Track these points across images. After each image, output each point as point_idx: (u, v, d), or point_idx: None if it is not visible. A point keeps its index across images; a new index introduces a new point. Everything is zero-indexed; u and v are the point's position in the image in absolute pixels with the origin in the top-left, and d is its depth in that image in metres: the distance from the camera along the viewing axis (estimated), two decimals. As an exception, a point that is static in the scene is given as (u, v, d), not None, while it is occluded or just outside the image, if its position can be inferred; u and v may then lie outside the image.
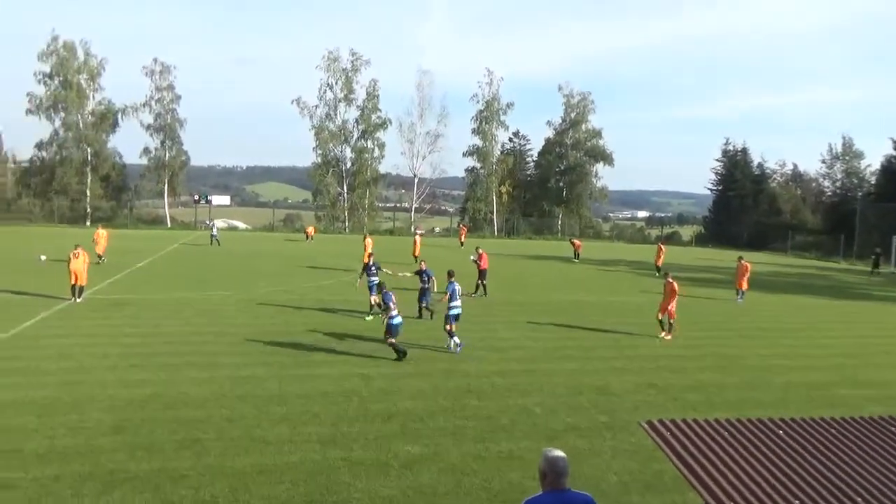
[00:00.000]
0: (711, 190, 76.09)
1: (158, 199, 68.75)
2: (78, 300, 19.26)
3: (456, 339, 14.98)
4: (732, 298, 26.06)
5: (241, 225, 74.89)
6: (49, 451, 8.54)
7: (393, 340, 13.83)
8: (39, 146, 63.53)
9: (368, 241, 30.57)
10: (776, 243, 62.26)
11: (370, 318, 18.26)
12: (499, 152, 72.92)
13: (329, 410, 10.49)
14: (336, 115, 66.79)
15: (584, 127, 73.18)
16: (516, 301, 23.01)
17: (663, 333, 17.23)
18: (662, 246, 36.78)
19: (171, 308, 18.98)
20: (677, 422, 10.68)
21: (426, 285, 18.62)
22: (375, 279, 19.18)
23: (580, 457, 8.99)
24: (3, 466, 8.05)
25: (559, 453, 4.25)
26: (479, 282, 23.82)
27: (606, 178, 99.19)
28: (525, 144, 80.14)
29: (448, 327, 15.06)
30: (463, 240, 51.33)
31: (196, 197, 65.27)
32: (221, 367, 12.76)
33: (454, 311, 15.27)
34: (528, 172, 78.86)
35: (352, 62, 66.49)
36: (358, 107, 67.05)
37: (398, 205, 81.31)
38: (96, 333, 15.28)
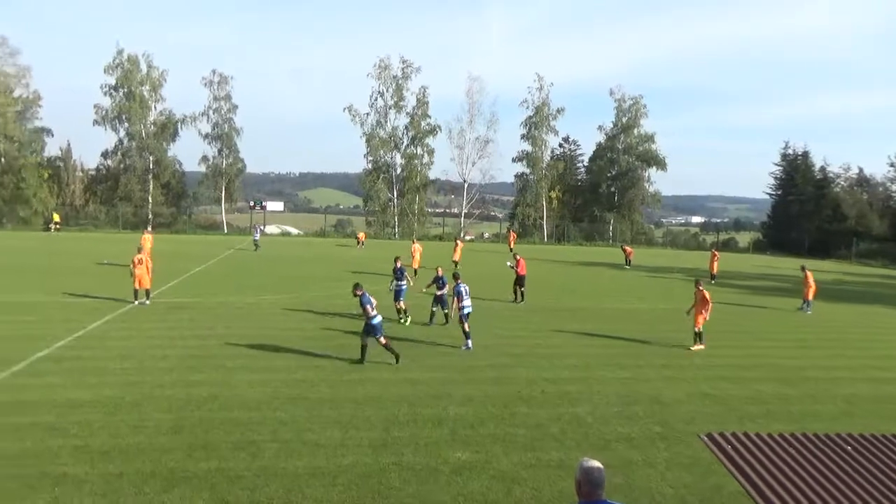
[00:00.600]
0: (770, 195, 73.75)
1: (216, 206, 70.74)
2: (146, 302, 20.06)
3: (467, 344, 15.57)
4: (792, 308, 25.16)
5: (293, 230, 76.31)
6: (113, 449, 8.85)
7: (367, 343, 13.78)
8: (105, 155, 66.63)
9: (416, 246, 30.77)
10: (840, 250, 59.83)
11: (407, 323, 18.40)
12: (549, 157, 72.42)
13: (379, 415, 10.57)
14: (386, 121, 67.58)
15: (636, 131, 71.99)
16: (566, 307, 22.74)
17: (696, 346, 16.46)
18: (717, 252, 35.80)
19: (226, 311, 19.47)
20: (739, 435, 10.34)
21: (442, 292, 18.19)
22: (403, 284, 19.25)
23: (633, 468, 8.80)
24: (72, 461, 8.40)
25: (595, 463, 4.13)
26: (517, 288, 23.64)
27: (659, 183, 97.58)
28: (575, 149, 79.37)
29: (465, 328, 15.69)
30: (512, 245, 51.11)
31: (251, 203, 66.99)
32: (273, 371, 13.01)
33: (466, 311, 15.96)
34: (579, 178, 78.01)
35: (402, 70, 67.16)
36: (408, 113, 67.68)
37: (447, 210, 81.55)
38: (156, 335, 15.80)
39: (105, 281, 24.59)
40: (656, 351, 16.21)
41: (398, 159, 68.67)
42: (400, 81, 67.00)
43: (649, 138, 71.88)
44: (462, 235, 66.69)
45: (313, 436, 9.55)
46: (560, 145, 77.47)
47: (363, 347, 13.83)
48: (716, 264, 34.33)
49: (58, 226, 57.24)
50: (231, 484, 7.91)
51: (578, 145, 79.49)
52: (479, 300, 23.31)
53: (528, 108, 69.74)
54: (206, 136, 66.98)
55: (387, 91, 66.92)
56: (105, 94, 64.01)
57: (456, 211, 75.32)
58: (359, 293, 13.89)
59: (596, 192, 72.89)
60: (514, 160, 71.11)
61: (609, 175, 73.07)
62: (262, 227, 48.36)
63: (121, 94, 63.93)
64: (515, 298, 23.39)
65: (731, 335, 18.81)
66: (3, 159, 61.01)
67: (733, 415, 11.38)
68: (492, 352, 15.34)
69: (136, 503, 7.41)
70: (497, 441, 9.63)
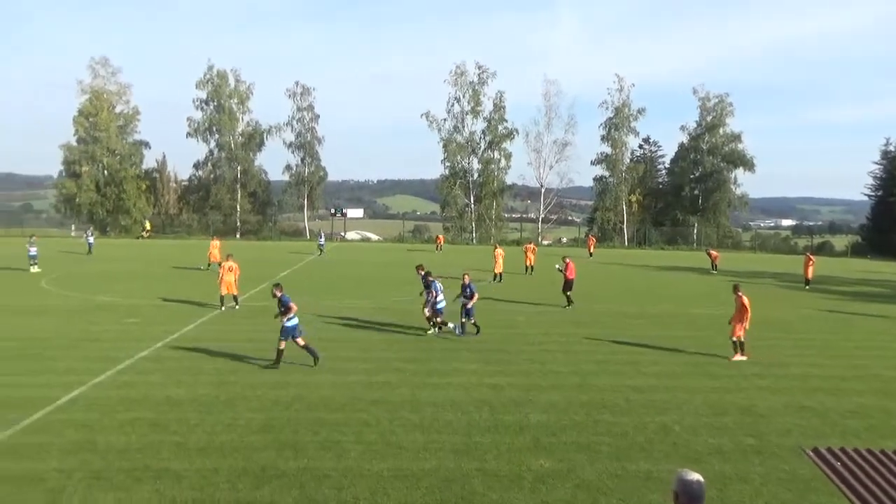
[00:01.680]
0: (869, 195, 69.28)
1: (298, 213, 73.15)
2: (235, 307, 20.89)
3: (451, 324, 16.91)
4: (898, 315, 23.48)
5: (372, 236, 77.94)
6: (208, 446, 9.27)
7: (284, 345, 13.62)
8: (196, 166, 70.22)
9: (499, 251, 30.68)
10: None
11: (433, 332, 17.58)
12: (629, 160, 70.82)
13: (461, 420, 10.59)
14: (463, 127, 67.99)
15: (721, 131, 69.36)
16: (650, 313, 22.11)
17: (737, 355, 15.42)
18: (811, 256, 33.89)
19: (306, 314, 20.04)
20: (849, 451, 9.71)
21: (468, 301, 17.32)
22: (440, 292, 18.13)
23: (727, 483, 8.44)
24: (172, 456, 8.86)
25: (695, 476, 3.94)
26: (566, 293, 23.16)
27: (746, 184, 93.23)
28: (656, 151, 77.31)
29: (434, 318, 16.92)
30: (592, 250, 50.20)
31: (332, 210, 69.09)
32: (355, 373, 13.28)
33: (440, 305, 17.00)
34: (660, 180, 75.87)
35: (478, 75, 67.42)
36: (485, 118, 67.83)
37: (524, 215, 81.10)
38: (244, 338, 16.43)
39: (197, 286, 25.83)
40: (749, 359, 15.49)
41: (475, 164, 68.98)
42: (476, 87, 67.31)
43: (736, 138, 69.11)
44: (539, 240, 66.16)
45: (396, 438, 9.68)
46: (640, 147, 75.73)
47: (279, 351, 13.63)
48: (810, 269, 32.52)
49: (148, 233, 60.83)
50: (319, 483, 8.11)
51: (659, 147, 77.48)
52: (553, 307, 23.02)
53: (607, 109, 68.58)
54: (290, 145, 69.49)
55: (463, 97, 67.38)
56: (197, 107, 67.62)
57: (533, 216, 74.81)
58: (278, 294, 13.94)
59: (678, 195, 70.65)
60: (592, 163, 70.11)
61: (692, 177, 70.67)
62: (324, 235, 50.20)
63: (211, 107, 67.31)
64: (568, 304, 22.96)
65: (830, 344, 17.76)
66: (106, 172, 65.43)
67: (833, 429, 10.72)
68: (574, 358, 15.10)
69: (230, 499, 7.72)
70: (581, 449, 9.45)
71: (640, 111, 68.85)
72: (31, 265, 30.95)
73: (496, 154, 68.22)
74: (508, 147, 68.28)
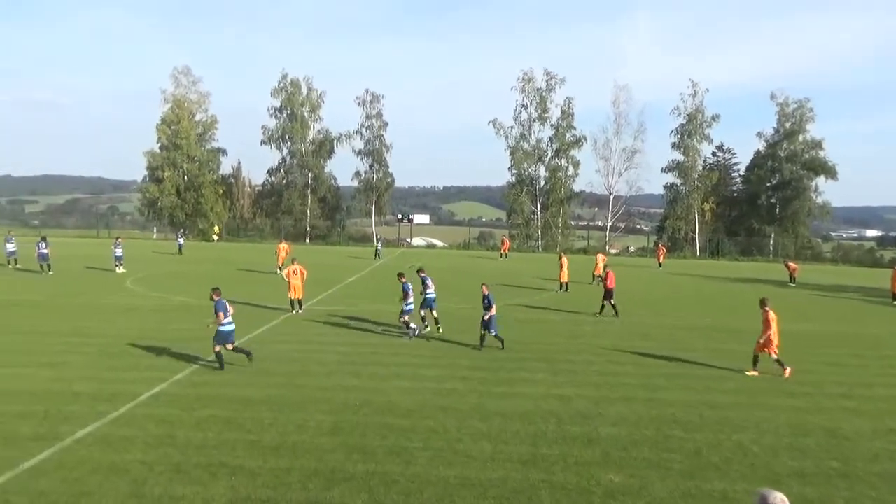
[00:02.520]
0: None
1: (366, 218, 74.44)
2: (299, 312, 21.32)
3: (413, 326, 17.61)
4: None
5: (438, 242, 78.39)
6: (281, 445, 9.52)
7: (219, 349, 13.71)
8: (270, 172, 72.60)
9: (564, 260, 30.31)
10: None
11: (441, 330, 18.48)
12: (701, 167, 68.70)
13: (528, 430, 10.49)
14: (530, 134, 67.57)
15: (801, 137, 66.35)
16: (724, 327, 21.33)
17: (753, 371, 14.70)
18: (902, 270, 31.84)
19: (375, 319, 20.32)
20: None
21: (486, 312, 16.56)
22: (432, 293, 18.67)
23: (809, 507, 8.02)
24: (246, 455, 9.14)
25: (778, 497, 3.74)
26: (606, 302, 22.60)
27: (828, 193, 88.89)
28: (731, 158, 74.69)
29: (403, 319, 17.56)
30: (661, 261, 48.92)
31: (399, 216, 70.05)
32: (424, 379, 13.35)
33: (408, 308, 17.61)
34: (735, 188, 73.23)
35: (546, 82, 66.90)
36: (552, 125, 67.25)
37: (592, 223, 79.83)
38: (314, 341, 16.82)
39: (267, 289, 26.63)
40: (832, 378, 14.73)
41: (542, 171, 68.42)
42: (544, 94, 66.80)
43: (816, 145, 65.98)
44: (606, 249, 64.98)
45: (463, 446, 9.67)
46: (713, 154, 73.36)
47: (217, 354, 13.74)
48: (900, 284, 30.58)
49: (217, 236, 63.36)
50: (387, 488, 8.20)
51: (734, 154, 74.81)
52: (624, 317, 22.52)
53: (679, 115, 66.78)
54: (359, 152, 70.71)
55: (531, 104, 66.99)
56: (271, 115, 69.91)
57: (600, 224, 73.53)
58: (216, 298, 14.04)
59: (754, 204, 67.98)
60: (663, 170, 68.32)
61: (769, 185, 67.88)
62: (383, 238, 51.94)
63: (284, 115, 69.47)
64: (601, 311, 22.44)
65: (923, 365, 16.66)
66: (186, 177, 68.46)
67: (929, 456, 10.03)
68: (644, 371, 14.73)
69: (301, 499, 7.90)
70: (652, 466, 9.20)
71: (715, 117, 66.73)
72: (116, 266, 32.67)
73: (563, 161, 67.52)
74: (576, 154, 67.49)
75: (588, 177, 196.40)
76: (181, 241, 47.69)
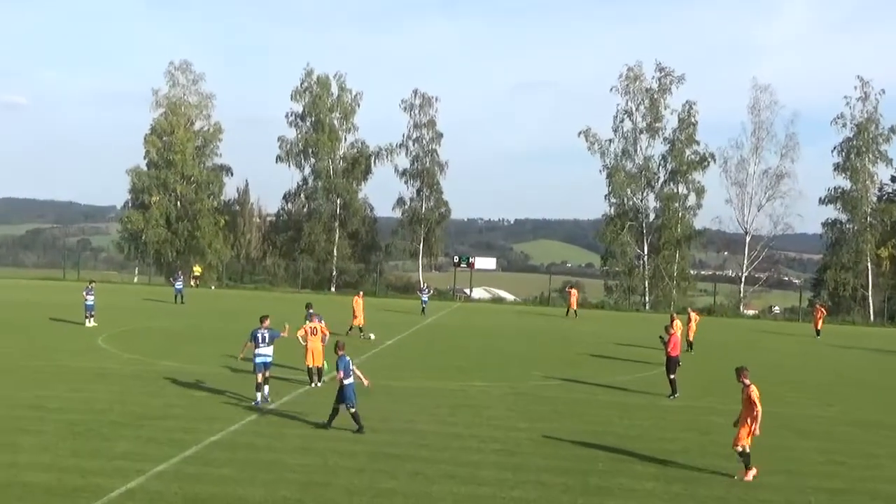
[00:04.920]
0: None
1: (411, 261, 75.10)
2: (319, 384, 21.43)
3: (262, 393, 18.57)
4: None
5: (506, 295, 78.28)
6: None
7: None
8: (286, 198, 74.54)
9: (677, 324, 29.67)
10: None
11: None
12: (876, 198, 66.90)
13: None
14: (636, 150, 67.59)
15: None
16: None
17: (747, 473, 14.11)
18: None
19: (425, 400, 20.26)
20: None
21: (343, 378, 16.58)
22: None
23: None
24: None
25: None
26: (669, 376, 22.26)
27: None
28: (919, 186, 72.58)
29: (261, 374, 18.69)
30: (819, 327, 47.30)
31: (456, 258, 69.71)
32: (485, 483, 13.18)
33: (259, 359, 18.69)
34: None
35: (658, 80, 67.03)
36: (666, 139, 67.08)
37: (719, 273, 78.44)
38: (341, 426, 16.84)
39: (282, 352, 26.93)
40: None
41: (651, 201, 68.15)
42: (655, 96, 66.91)
43: None
44: (740, 308, 63.55)
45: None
46: (893, 179, 71.39)
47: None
48: None
49: (197, 279, 63.55)
50: None
51: (923, 180, 72.68)
52: (770, 405, 21.82)
53: (844, 126, 65.54)
54: (404, 173, 71.77)
55: (637, 109, 67.22)
56: (290, 123, 72.07)
57: (732, 273, 72.14)
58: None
59: (954, 250, 65.58)
60: (821, 202, 66.95)
61: (979, 224, 65.47)
62: (428, 289, 52.13)
63: (308, 123, 71.50)
64: (672, 392, 22.19)
65: None
66: (179, 203, 70.72)
67: None
68: (795, 482, 14.14)
69: None
70: None
71: (894, 130, 65.17)
72: (86, 318, 33.78)
73: (682, 188, 67.04)
74: (699, 178, 67.01)
75: (715, 209, 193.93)
76: (180, 285, 48.84)
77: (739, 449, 14.33)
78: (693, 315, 34.72)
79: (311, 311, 24.46)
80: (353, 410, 16.13)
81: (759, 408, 14.32)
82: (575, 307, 51.56)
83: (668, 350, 22.64)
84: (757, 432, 14.33)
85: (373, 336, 32.43)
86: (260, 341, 18.85)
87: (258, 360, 18.64)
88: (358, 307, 33.64)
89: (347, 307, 35.00)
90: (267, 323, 19.34)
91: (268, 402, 18.57)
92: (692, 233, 67.76)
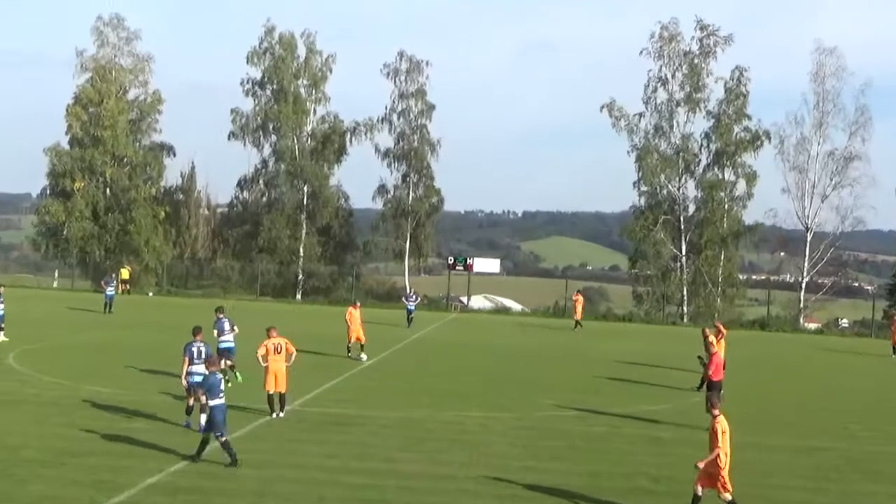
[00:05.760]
0: None
1: (395, 263, 74.84)
2: (281, 414, 21.36)
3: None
4: None
5: (512, 305, 78.18)
6: None
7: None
8: (241, 184, 74.28)
9: (711, 339, 29.51)
10: None
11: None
12: (970, 186, 67.12)
13: None
14: (673, 127, 67.49)
15: None
16: None
17: None
18: None
19: (411, 433, 20.25)
20: None
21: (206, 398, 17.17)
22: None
23: None
24: None
25: None
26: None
27: None
28: None
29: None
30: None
31: (451, 260, 69.56)
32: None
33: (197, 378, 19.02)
34: None
35: (700, 40, 66.98)
36: (710, 113, 67.01)
37: (775, 278, 78.55)
38: (308, 465, 16.87)
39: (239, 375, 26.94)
40: None
41: (690, 190, 68.09)
42: (696, 60, 66.89)
43: None
44: (800, 321, 63.62)
45: None
46: None
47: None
48: None
49: (125, 285, 62.83)
50: None
51: None
52: (824, 442, 21.87)
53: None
54: (386, 153, 71.55)
55: (673, 77, 67.18)
56: (246, 93, 71.96)
57: (790, 279, 72.23)
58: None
59: None
60: (901, 191, 66.97)
61: None
62: (416, 296, 52.43)
63: (268, 92, 71.33)
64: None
65: None
66: (108, 191, 70.26)
67: None
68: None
69: None
70: None
71: None
72: (-7, 331, 33.63)
73: (729, 173, 67.04)
74: (751, 162, 67.02)
75: (769, 200, 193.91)
76: (111, 291, 48.65)
77: (697, 492, 14.29)
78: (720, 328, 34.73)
79: (221, 315, 26.57)
80: (223, 439, 16.35)
81: (723, 446, 14.27)
82: (579, 317, 52.17)
83: (710, 373, 22.64)
84: (720, 467, 14.20)
85: (364, 357, 32.52)
86: (195, 357, 19.60)
87: (194, 378, 19.17)
88: (354, 322, 33.06)
89: (321, 319, 35.00)
90: (202, 336, 20.01)
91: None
92: (741, 229, 67.65)
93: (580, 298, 54.02)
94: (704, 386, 23.28)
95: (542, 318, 63.51)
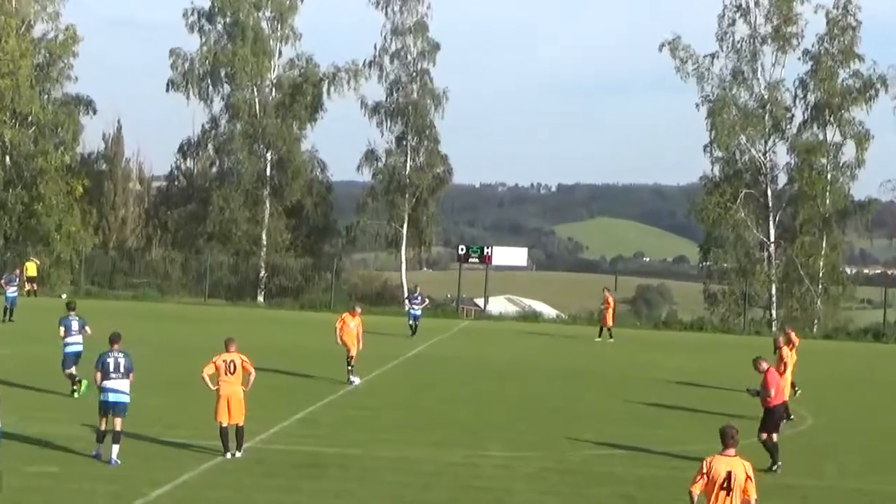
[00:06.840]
0: None
1: (388, 252, 74.89)
2: (237, 454, 21.33)
3: None
4: None
5: (544, 309, 78.34)
6: None
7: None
8: (184, 150, 74.10)
9: (784, 351, 29.64)
10: None
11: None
12: None
13: None
14: (755, 72, 67.46)
15: None
16: None
17: None
18: None
19: (410, 478, 20.22)
20: None
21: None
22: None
23: None
24: None
25: None
26: (761, 436, 22.31)
27: None
28: None
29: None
30: None
31: (461, 249, 68.81)
32: None
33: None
34: None
35: (792, -46, 66.92)
36: (807, 53, 66.92)
37: (893, 272, 78.65)
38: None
39: (181, 402, 27.01)
40: None
41: (781, 155, 68.10)
42: (787, -23, 66.85)
43: None
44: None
45: None
46: None
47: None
48: None
49: (31, 285, 62.63)
50: None
51: None
52: None
53: None
54: (376, 109, 71.54)
55: (756, 6, 67.09)
56: (190, 28, 71.92)
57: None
58: None
59: None
60: None
61: None
62: (422, 297, 51.81)
63: (219, 27, 71.35)
64: (773, 464, 22.05)
65: None
66: (8, 158, 70.26)
67: None
68: None
69: None
70: None
71: None
72: None
73: (832, 133, 66.91)
74: (862, 118, 66.89)
75: (887, 168, 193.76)
76: (13, 292, 48.67)
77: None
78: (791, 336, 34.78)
79: (72, 312, 28.84)
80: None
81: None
82: (610, 323, 52.00)
83: (769, 400, 22.57)
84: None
85: (357, 381, 32.69)
86: (111, 370, 20.13)
87: (108, 397, 19.98)
88: (349, 334, 32.87)
89: (289, 328, 35.08)
90: (120, 344, 20.55)
91: (115, 463, 19.10)
92: (849, 206, 67.65)
93: (611, 299, 53.54)
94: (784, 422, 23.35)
95: (584, 327, 63.32)
